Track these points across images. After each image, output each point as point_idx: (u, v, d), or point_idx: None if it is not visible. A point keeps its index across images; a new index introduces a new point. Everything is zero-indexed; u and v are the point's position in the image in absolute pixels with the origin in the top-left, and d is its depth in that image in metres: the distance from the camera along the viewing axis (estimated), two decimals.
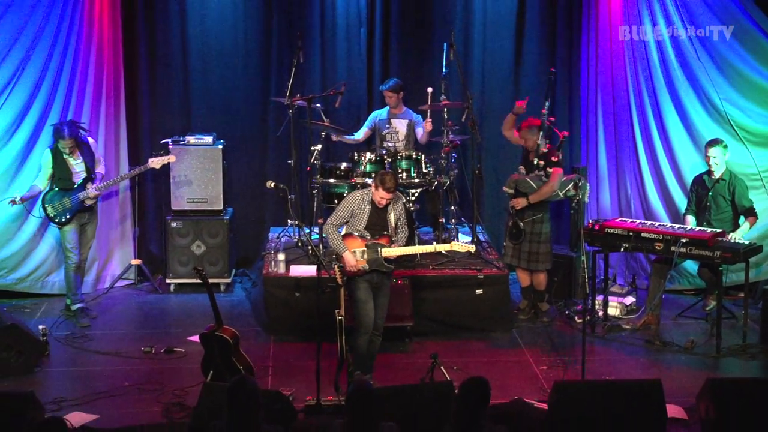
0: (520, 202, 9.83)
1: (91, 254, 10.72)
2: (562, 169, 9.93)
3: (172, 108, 11.55)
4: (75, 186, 9.93)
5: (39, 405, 7.30)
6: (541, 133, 9.88)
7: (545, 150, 9.85)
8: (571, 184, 10.05)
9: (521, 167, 9.93)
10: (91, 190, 9.97)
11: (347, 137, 11.06)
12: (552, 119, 10.16)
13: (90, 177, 10.01)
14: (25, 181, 10.48)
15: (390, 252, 8.36)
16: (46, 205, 9.95)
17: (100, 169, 10.20)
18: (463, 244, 8.64)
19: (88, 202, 10.02)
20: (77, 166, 9.97)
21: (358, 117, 11.65)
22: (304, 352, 8.85)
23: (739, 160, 10.54)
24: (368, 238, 8.35)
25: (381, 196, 8.23)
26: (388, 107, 11.01)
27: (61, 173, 9.93)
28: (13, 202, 10.05)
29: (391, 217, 8.40)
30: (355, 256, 8.27)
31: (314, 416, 7.64)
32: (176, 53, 11.45)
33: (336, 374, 8.19)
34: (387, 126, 10.90)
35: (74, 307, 10.07)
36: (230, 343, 8.18)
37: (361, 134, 11.15)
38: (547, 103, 10.10)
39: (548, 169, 9.76)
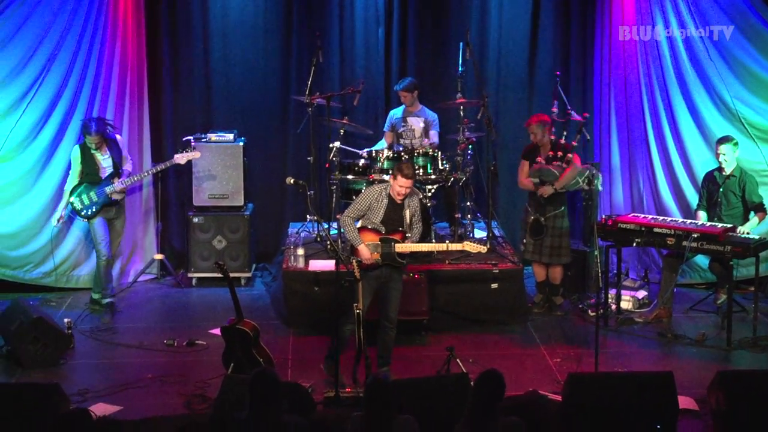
0: (548, 191, 9.87)
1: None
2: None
3: (194, 106, 11.67)
4: (101, 180, 10.07)
5: (64, 396, 7.38)
6: (553, 128, 10.03)
7: (562, 141, 9.95)
8: (587, 173, 10.17)
9: (539, 158, 9.91)
10: (117, 184, 10.09)
11: (374, 149, 11.09)
12: (569, 111, 10.31)
13: (117, 172, 10.15)
14: (50, 178, 10.66)
15: (404, 247, 8.47)
16: (72, 198, 10.09)
17: (127, 166, 10.33)
18: (475, 244, 8.73)
19: (115, 197, 10.13)
20: (104, 161, 10.11)
21: (376, 115, 11.76)
22: (323, 345, 8.89)
23: (750, 156, 10.59)
24: (383, 232, 8.50)
25: (400, 184, 8.32)
26: (404, 105, 11.14)
27: (88, 168, 10.08)
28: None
29: (407, 213, 8.50)
30: (369, 249, 8.44)
31: (333, 408, 7.70)
32: (198, 53, 11.58)
33: (354, 367, 8.27)
34: (403, 124, 11.02)
35: (105, 301, 10.18)
36: (251, 336, 8.27)
37: (385, 142, 11.19)
38: (556, 102, 10.24)
39: (569, 156, 9.79)
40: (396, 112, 11.18)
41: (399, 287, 8.58)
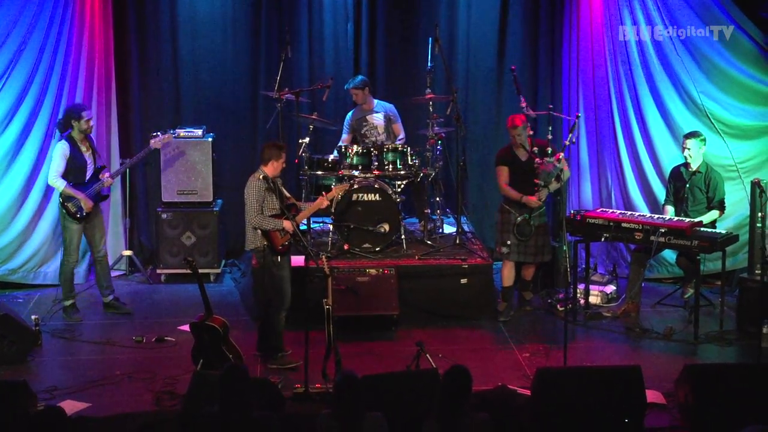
0: (543, 195, 9.75)
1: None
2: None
3: (162, 101, 11.63)
4: (88, 179, 9.80)
5: (32, 393, 7.41)
6: (529, 124, 9.98)
7: (548, 138, 9.76)
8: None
9: (538, 160, 9.57)
10: (106, 178, 9.87)
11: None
12: (550, 106, 10.28)
13: (100, 167, 9.94)
14: (16, 176, 10.58)
15: (300, 218, 8.96)
16: (66, 203, 9.74)
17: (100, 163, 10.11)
18: (341, 185, 9.43)
19: (104, 192, 9.88)
20: (88, 157, 9.85)
21: (345, 110, 11.71)
22: (293, 340, 8.88)
23: (716, 151, 10.67)
24: (283, 213, 8.66)
25: (284, 159, 8.78)
26: (358, 106, 11.14)
27: (75, 166, 9.75)
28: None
29: (283, 189, 8.85)
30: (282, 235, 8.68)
31: (302, 404, 7.72)
32: (166, 48, 11.52)
33: (324, 362, 8.28)
34: (364, 124, 11.05)
35: (66, 303, 9.96)
36: (220, 332, 8.28)
37: (342, 144, 11.16)
38: (521, 97, 10.23)
39: (560, 155, 9.53)
40: (354, 114, 11.19)
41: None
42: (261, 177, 8.63)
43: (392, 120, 11.10)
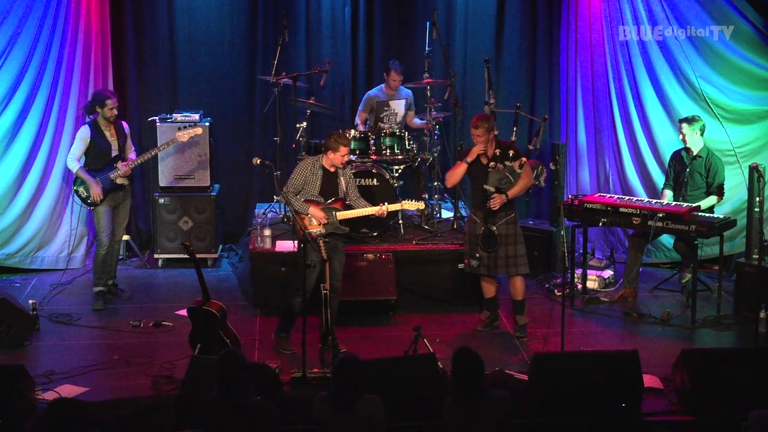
0: (500, 200, 8.86)
1: (80, 230, 10.84)
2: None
3: (159, 86, 11.59)
4: (105, 165, 9.74)
5: (29, 378, 7.43)
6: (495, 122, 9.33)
7: (512, 140, 9.31)
8: (537, 169, 10.08)
9: (492, 164, 8.88)
10: (122, 166, 9.79)
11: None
12: (518, 104, 10.01)
13: (120, 156, 9.85)
14: (12, 160, 10.56)
15: (344, 214, 8.68)
16: (78, 188, 9.75)
17: (131, 155, 10.01)
18: (413, 202, 8.95)
19: (119, 181, 9.82)
20: (113, 143, 9.79)
21: (342, 95, 11.74)
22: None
23: (715, 136, 10.63)
24: (322, 202, 8.59)
25: (342, 154, 8.54)
26: (381, 86, 11.07)
27: (97, 150, 9.71)
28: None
29: (341, 181, 8.69)
30: (311, 221, 8.57)
31: (300, 388, 7.72)
32: (163, 32, 11.48)
33: (321, 347, 8.31)
34: (386, 108, 10.98)
35: (95, 289, 9.94)
36: (217, 317, 8.27)
37: (357, 120, 11.12)
38: (490, 92, 10.15)
39: (523, 160, 8.90)
40: (377, 95, 11.07)
41: (342, 258, 8.78)
42: (314, 159, 8.67)
43: (411, 107, 11.06)
